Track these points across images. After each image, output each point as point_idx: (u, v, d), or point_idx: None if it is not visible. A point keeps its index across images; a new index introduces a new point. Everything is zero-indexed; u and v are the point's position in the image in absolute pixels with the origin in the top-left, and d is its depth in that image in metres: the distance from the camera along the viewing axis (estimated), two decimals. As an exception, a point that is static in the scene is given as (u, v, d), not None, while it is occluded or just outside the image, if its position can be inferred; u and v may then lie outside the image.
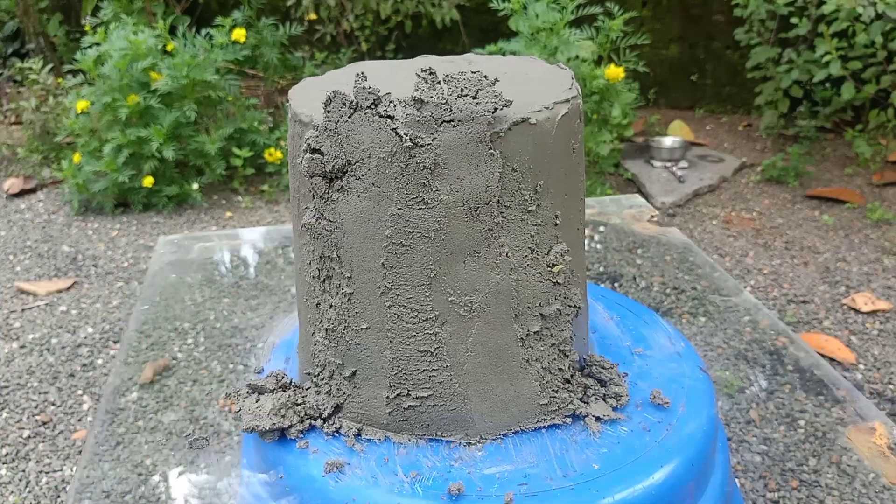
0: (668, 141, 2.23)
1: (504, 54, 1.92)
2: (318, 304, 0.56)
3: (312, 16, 2.56)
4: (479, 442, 0.54)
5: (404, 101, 0.47)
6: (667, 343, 0.66)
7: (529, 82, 0.55)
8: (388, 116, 0.48)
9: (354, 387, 0.56)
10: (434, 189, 0.48)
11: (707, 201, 2.08)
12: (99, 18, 2.28)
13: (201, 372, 1.25)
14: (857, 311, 1.48)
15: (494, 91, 0.47)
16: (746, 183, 2.18)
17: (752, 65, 2.30)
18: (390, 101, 0.48)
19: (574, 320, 0.55)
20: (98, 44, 2.07)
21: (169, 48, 2.06)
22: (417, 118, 0.47)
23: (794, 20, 2.11)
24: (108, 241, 1.92)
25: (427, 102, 0.47)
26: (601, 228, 1.52)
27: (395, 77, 0.56)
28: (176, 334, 1.35)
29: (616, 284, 1.45)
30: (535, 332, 0.53)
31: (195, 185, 2.11)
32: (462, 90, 0.47)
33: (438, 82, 0.47)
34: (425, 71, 0.48)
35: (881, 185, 2.09)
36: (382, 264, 0.51)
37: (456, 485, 0.49)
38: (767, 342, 1.25)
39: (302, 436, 0.56)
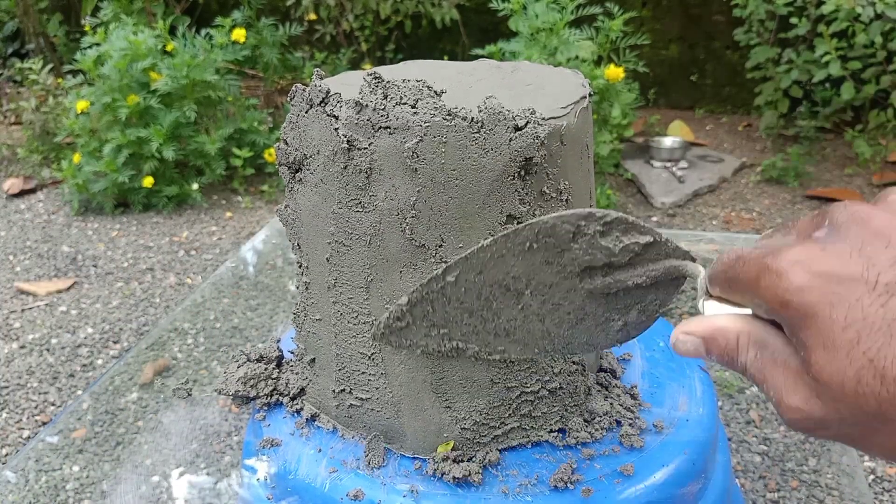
0: (667, 141, 2.23)
1: (504, 54, 1.92)
2: (297, 288, 0.57)
3: (312, 16, 2.56)
4: (414, 456, 0.54)
5: (348, 102, 0.47)
6: (667, 343, 0.66)
7: (538, 91, 0.54)
8: (334, 116, 0.48)
9: (314, 374, 0.57)
10: (370, 194, 0.48)
11: (707, 201, 2.08)
12: (99, 18, 2.28)
13: (201, 372, 1.25)
14: (856, 312, 1.48)
15: (435, 103, 0.46)
16: (746, 183, 2.18)
17: (752, 65, 2.31)
18: (338, 102, 0.48)
19: None
20: (98, 44, 2.07)
21: (169, 48, 2.06)
22: (356, 121, 0.47)
23: (793, 20, 2.11)
24: (108, 242, 1.92)
25: (366, 106, 0.46)
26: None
27: (443, 78, 0.56)
28: (176, 334, 1.35)
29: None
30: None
31: (195, 186, 2.11)
32: (402, 98, 0.47)
33: (382, 88, 0.47)
34: (370, 75, 0.48)
35: (881, 185, 2.09)
36: (327, 260, 0.52)
37: (354, 490, 0.50)
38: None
39: (266, 408, 0.59)
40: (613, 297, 0.42)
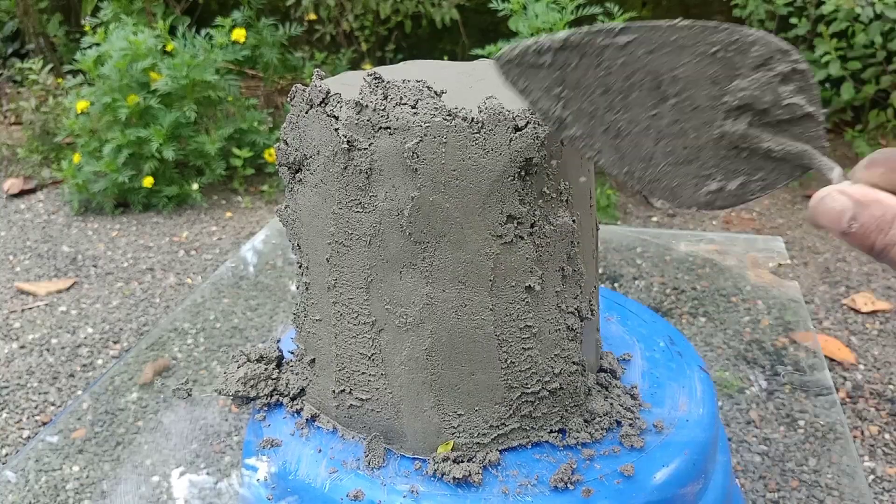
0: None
1: (504, 54, 1.92)
2: (297, 288, 0.57)
3: (312, 16, 2.56)
4: (414, 456, 0.54)
5: (348, 102, 0.47)
6: (667, 343, 0.66)
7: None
8: (334, 116, 0.48)
9: (314, 374, 0.57)
10: (371, 194, 0.48)
11: (707, 201, 2.08)
12: (99, 19, 2.28)
13: (201, 372, 1.25)
14: (857, 312, 1.48)
15: (435, 103, 0.46)
16: (746, 183, 2.18)
17: (752, 65, 2.30)
18: (338, 102, 0.48)
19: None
20: (98, 44, 2.07)
21: (169, 48, 2.06)
22: (356, 121, 0.47)
23: (793, 20, 2.11)
24: (108, 242, 1.92)
25: (366, 107, 0.46)
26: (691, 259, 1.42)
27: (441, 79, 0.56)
28: (176, 334, 1.35)
29: (616, 284, 1.45)
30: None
31: (195, 186, 2.11)
32: (402, 98, 0.47)
33: (382, 88, 0.47)
34: (370, 76, 0.48)
35: (881, 185, 2.09)
36: (327, 260, 0.52)
37: (354, 491, 0.50)
38: (767, 342, 1.25)
39: (266, 409, 0.59)
40: (734, 155, 0.40)
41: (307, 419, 0.58)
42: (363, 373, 0.54)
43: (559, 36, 0.40)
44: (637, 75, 0.40)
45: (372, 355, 0.53)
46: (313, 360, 0.57)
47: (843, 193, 0.34)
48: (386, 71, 0.59)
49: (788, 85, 0.38)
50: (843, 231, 0.34)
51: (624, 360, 0.64)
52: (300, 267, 0.56)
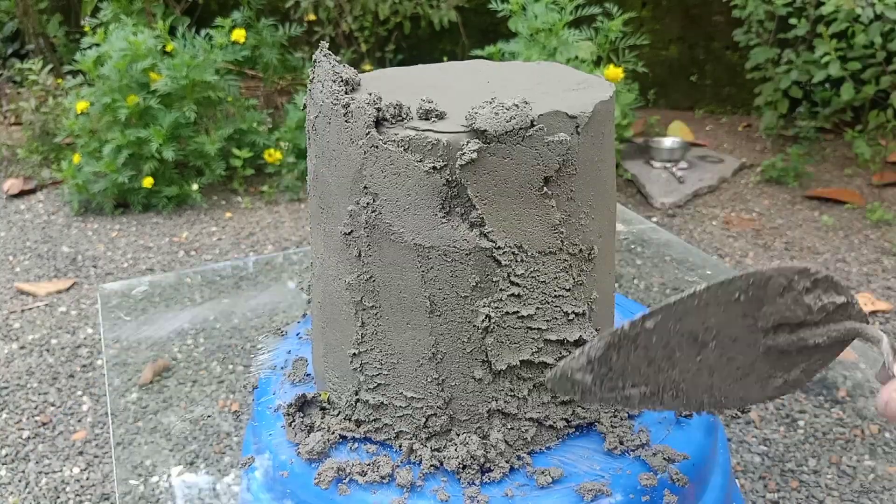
0: (667, 141, 2.23)
1: (503, 55, 1.92)
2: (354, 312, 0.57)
3: (311, 17, 2.56)
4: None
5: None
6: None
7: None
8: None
9: (329, 372, 0.57)
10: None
11: (707, 202, 2.08)
12: (98, 19, 2.28)
13: (201, 373, 1.25)
14: (856, 312, 1.48)
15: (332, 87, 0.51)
16: (746, 183, 2.18)
17: (752, 65, 2.31)
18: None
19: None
20: (98, 44, 2.07)
21: (168, 49, 2.06)
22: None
23: (792, 21, 2.11)
24: (108, 242, 1.92)
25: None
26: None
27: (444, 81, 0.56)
28: (175, 334, 1.35)
29: (616, 284, 1.45)
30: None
31: (195, 186, 2.11)
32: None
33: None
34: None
35: (881, 185, 2.09)
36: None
37: (355, 491, 0.50)
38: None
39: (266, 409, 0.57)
40: (786, 356, 0.43)
41: (308, 420, 0.57)
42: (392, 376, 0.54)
43: (598, 346, 0.42)
44: (674, 338, 0.42)
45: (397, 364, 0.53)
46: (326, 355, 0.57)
47: None
48: (433, 71, 0.59)
49: (814, 293, 0.41)
50: None
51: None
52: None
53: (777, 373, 0.44)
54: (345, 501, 0.50)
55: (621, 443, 0.53)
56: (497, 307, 0.50)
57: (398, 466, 0.52)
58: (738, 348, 0.43)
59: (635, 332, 0.42)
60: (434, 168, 0.47)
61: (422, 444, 0.54)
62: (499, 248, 0.48)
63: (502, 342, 0.51)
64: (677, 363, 0.43)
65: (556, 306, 0.51)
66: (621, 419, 0.55)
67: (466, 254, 0.49)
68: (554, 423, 0.54)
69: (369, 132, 0.48)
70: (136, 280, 1.60)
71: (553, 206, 0.49)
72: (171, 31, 2.20)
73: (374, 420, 0.55)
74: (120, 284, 1.48)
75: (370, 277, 0.52)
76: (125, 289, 1.41)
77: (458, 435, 0.53)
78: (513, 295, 0.50)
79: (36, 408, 1.27)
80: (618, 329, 0.42)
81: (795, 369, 0.44)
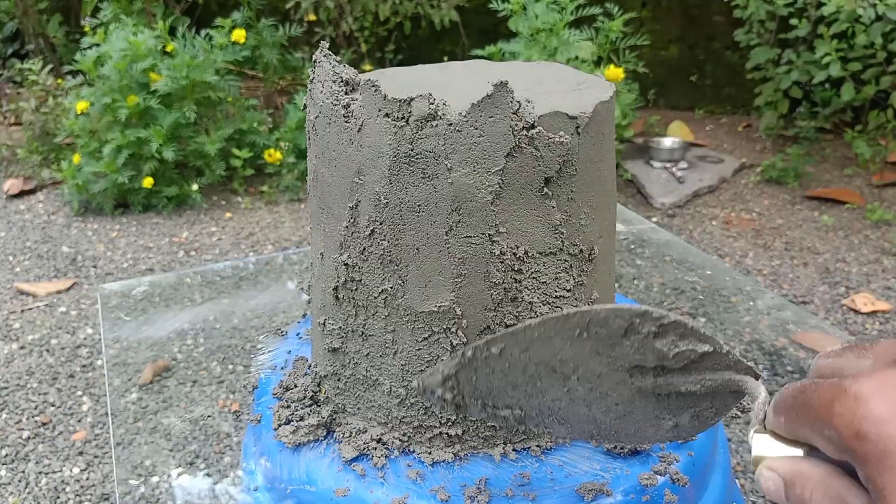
0: (667, 142, 2.23)
1: (504, 55, 1.92)
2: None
3: (312, 17, 2.56)
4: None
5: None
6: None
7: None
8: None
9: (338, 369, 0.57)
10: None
11: (707, 202, 2.08)
12: (98, 19, 2.28)
13: (201, 373, 1.25)
14: (856, 312, 1.48)
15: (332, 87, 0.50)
16: (746, 184, 2.18)
17: (752, 66, 2.31)
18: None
19: None
20: (98, 45, 2.07)
21: (168, 49, 2.06)
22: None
23: (793, 21, 2.11)
24: (108, 242, 1.92)
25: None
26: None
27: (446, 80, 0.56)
28: (175, 334, 1.35)
29: (616, 284, 1.45)
30: None
31: (195, 186, 2.11)
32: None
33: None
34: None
35: (881, 185, 2.09)
36: None
37: (356, 492, 0.50)
38: (767, 343, 1.25)
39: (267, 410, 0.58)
40: (665, 398, 0.40)
41: (307, 421, 0.57)
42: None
43: (444, 368, 0.42)
44: (530, 367, 0.41)
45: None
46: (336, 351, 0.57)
47: (771, 470, 0.33)
48: (435, 71, 0.59)
49: (666, 338, 0.38)
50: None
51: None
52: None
53: (664, 415, 0.41)
54: (344, 502, 0.50)
55: (621, 443, 0.53)
56: (497, 308, 0.50)
57: (398, 465, 0.52)
58: (607, 384, 0.41)
59: (484, 355, 0.41)
60: None
61: (420, 443, 0.54)
62: (499, 248, 0.48)
63: None
64: (545, 391, 0.41)
65: (557, 307, 0.51)
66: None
67: (466, 254, 0.49)
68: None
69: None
70: (135, 280, 1.60)
71: (553, 207, 0.49)
72: (171, 32, 2.20)
73: (372, 419, 0.55)
74: (120, 284, 1.47)
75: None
76: (125, 289, 1.41)
77: (458, 434, 0.53)
78: (514, 296, 0.50)
79: (36, 408, 1.27)
80: (465, 350, 0.41)
81: (684, 413, 0.41)
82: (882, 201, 1.99)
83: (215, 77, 2.06)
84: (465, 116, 0.46)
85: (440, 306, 0.50)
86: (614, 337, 0.39)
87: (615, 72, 1.87)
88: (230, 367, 1.26)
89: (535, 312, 0.50)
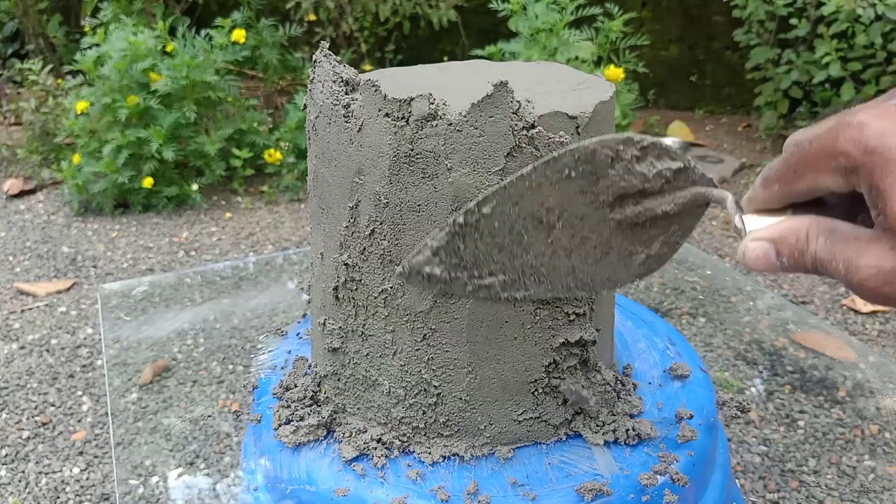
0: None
1: (503, 55, 1.92)
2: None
3: (312, 17, 2.56)
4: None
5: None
6: (666, 344, 0.66)
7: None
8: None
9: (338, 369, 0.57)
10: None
11: (707, 202, 2.08)
12: (98, 19, 2.28)
13: (201, 373, 1.25)
14: (856, 312, 1.48)
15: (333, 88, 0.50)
16: (746, 184, 2.18)
17: (752, 66, 2.31)
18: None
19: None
20: (98, 45, 2.07)
21: (168, 49, 2.06)
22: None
23: (793, 21, 2.11)
24: (108, 242, 1.92)
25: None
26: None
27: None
28: (175, 334, 1.35)
29: (616, 285, 1.44)
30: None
31: (195, 186, 2.11)
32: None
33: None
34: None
35: (881, 185, 2.09)
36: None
37: (356, 492, 0.50)
38: (767, 343, 1.25)
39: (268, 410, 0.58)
40: (640, 229, 0.43)
41: (307, 422, 0.57)
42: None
43: (431, 240, 0.45)
44: (517, 223, 0.43)
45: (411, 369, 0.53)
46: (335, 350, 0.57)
47: (757, 239, 0.37)
48: (433, 71, 0.59)
49: (645, 161, 0.41)
50: (778, 269, 0.37)
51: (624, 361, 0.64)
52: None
53: (637, 248, 0.44)
54: (344, 502, 0.50)
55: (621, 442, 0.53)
56: (498, 309, 0.50)
57: (398, 465, 0.52)
58: (587, 226, 0.43)
59: (474, 218, 0.43)
60: None
61: (420, 443, 0.54)
62: None
63: None
64: (529, 248, 0.44)
65: (557, 307, 0.51)
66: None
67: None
68: (550, 420, 0.54)
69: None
70: (136, 280, 1.60)
71: None
72: (171, 32, 2.20)
73: (372, 419, 0.55)
74: (120, 285, 1.48)
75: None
76: (126, 289, 1.41)
77: (457, 434, 0.53)
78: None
79: (36, 408, 1.27)
80: (456, 217, 0.43)
81: (655, 242, 0.44)
82: (882, 201, 1.99)
83: (215, 77, 2.06)
84: (465, 116, 0.46)
85: (437, 304, 0.50)
86: (601, 169, 0.41)
87: (615, 72, 1.87)
88: (230, 367, 1.26)
89: (537, 315, 0.50)
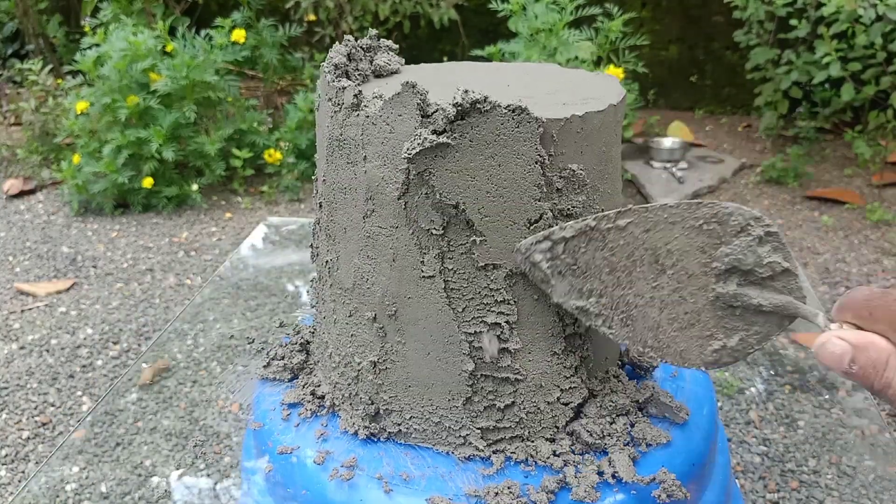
0: (667, 142, 2.23)
1: (503, 55, 1.92)
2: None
3: (311, 17, 2.56)
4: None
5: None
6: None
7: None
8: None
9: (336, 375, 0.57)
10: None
11: (707, 202, 2.08)
12: (98, 19, 2.28)
13: (200, 373, 1.25)
14: (856, 312, 1.48)
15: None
16: (746, 184, 2.18)
17: (752, 66, 2.31)
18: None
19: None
20: (98, 45, 2.07)
21: (168, 49, 2.06)
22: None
23: (793, 22, 2.11)
24: (108, 242, 1.92)
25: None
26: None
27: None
28: (175, 335, 1.35)
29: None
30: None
31: (195, 186, 2.11)
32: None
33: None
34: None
35: (881, 185, 2.09)
36: None
37: (356, 492, 0.50)
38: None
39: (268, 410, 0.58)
40: (729, 314, 0.44)
41: (307, 423, 0.58)
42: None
43: (561, 230, 0.45)
44: (637, 252, 0.44)
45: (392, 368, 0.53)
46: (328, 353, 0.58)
47: (842, 339, 0.38)
48: (445, 70, 0.60)
49: (765, 246, 0.43)
50: (845, 371, 0.38)
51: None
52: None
53: (718, 334, 0.45)
54: (344, 502, 0.50)
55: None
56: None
57: (398, 466, 0.52)
58: (690, 287, 0.44)
59: (607, 226, 0.44)
60: None
61: (346, 411, 0.55)
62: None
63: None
64: (634, 283, 0.45)
65: (482, 321, 0.51)
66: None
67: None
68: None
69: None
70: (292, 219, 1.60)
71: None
72: (171, 32, 2.20)
73: (326, 377, 0.58)
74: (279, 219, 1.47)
75: None
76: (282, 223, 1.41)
77: (456, 434, 0.53)
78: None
79: (36, 408, 1.27)
80: (590, 219, 0.44)
81: (735, 335, 0.45)
82: (882, 201, 1.99)
83: (215, 77, 2.06)
84: (380, 111, 0.46)
85: (356, 284, 0.52)
86: (728, 234, 0.43)
87: (615, 72, 1.87)
88: (230, 367, 1.26)
89: (459, 328, 0.50)
